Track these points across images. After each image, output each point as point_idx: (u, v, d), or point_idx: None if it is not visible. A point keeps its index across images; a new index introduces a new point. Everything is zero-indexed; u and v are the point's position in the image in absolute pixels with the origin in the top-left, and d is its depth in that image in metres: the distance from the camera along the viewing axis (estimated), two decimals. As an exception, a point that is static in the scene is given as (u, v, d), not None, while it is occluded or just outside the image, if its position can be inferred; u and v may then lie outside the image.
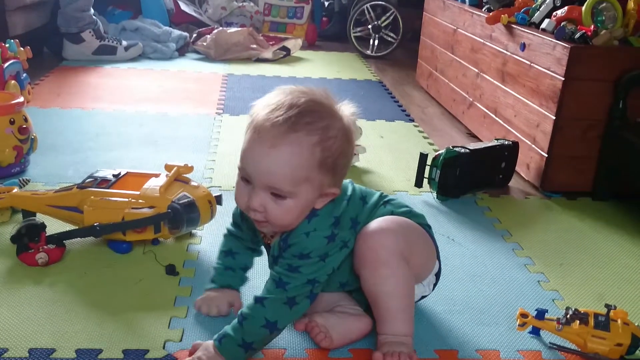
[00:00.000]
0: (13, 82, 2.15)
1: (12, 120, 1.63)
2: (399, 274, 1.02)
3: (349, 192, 1.06)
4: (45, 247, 1.25)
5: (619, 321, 1.09)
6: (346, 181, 1.07)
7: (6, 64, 2.14)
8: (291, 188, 0.93)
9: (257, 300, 0.98)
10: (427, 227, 1.15)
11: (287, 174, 0.92)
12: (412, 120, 2.43)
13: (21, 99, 1.69)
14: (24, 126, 1.66)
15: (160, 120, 2.22)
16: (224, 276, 1.15)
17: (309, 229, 0.98)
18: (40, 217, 1.32)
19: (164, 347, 1.04)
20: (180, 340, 1.05)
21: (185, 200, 1.30)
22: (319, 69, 3.21)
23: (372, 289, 1.03)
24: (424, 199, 1.71)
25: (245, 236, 1.14)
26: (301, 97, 0.94)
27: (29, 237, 1.25)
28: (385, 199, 1.12)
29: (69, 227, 1.32)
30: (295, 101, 0.93)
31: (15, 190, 1.42)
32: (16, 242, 1.25)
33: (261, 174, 0.93)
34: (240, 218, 1.12)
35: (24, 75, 2.25)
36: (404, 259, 1.03)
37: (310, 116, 0.93)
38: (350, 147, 0.98)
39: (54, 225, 1.31)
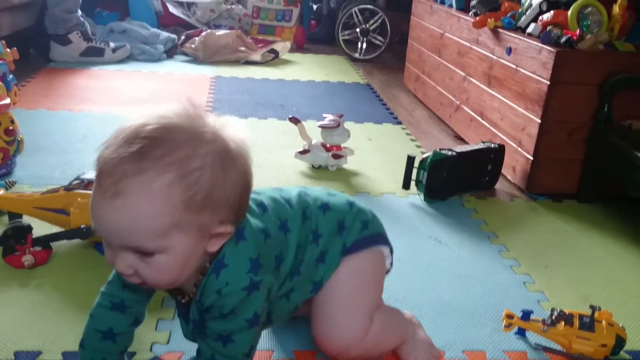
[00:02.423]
0: (0, 83, 2.13)
1: (-2, 121, 1.62)
2: (366, 353, 0.97)
3: (263, 222, 0.86)
4: (31, 249, 1.24)
5: (604, 322, 1.10)
6: (256, 201, 0.88)
7: (-8, 65, 2.12)
8: (154, 243, 0.73)
9: None
10: (378, 236, 1.01)
11: (140, 228, 0.72)
12: (400, 123, 2.45)
13: (7, 101, 1.68)
14: (11, 128, 1.65)
15: (148, 122, 2.21)
16: None
17: (220, 285, 0.79)
18: (26, 219, 1.32)
19: (150, 350, 1.04)
20: (167, 343, 1.05)
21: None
22: (307, 71, 3.22)
23: None
24: (411, 201, 1.72)
25: (132, 298, 0.89)
26: (149, 123, 0.73)
27: (15, 239, 1.24)
28: (319, 209, 0.94)
29: (55, 229, 1.31)
30: (140, 130, 0.73)
31: (2, 192, 1.42)
32: (2, 244, 1.24)
33: (108, 232, 0.74)
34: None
35: (11, 76, 2.24)
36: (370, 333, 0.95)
37: (160, 147, 0.72)
38: (229, 174, 0.75)
39: (41, 228, 1.30)
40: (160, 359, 1.02)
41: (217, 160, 0.74)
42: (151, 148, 0.71)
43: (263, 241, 0.84)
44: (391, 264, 1.03)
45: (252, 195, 0.86)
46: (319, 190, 0.99)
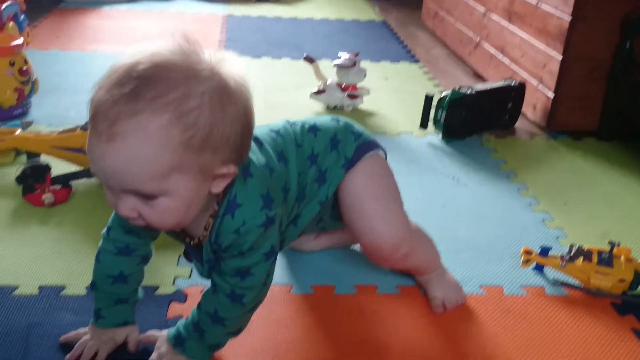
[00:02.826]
0: (11, 23, 2.11)
1: (12, 62, 1.61)
2: (413, 251, 1.00)
3: (262, 153, 0.86)
4: (51, 187, 1.25)
5: (622, 258, 1.10)
6: (252, 145, 0.84)
7: (4, 6, 2.09)
8: (154, 186, 0.71)
9: (216, 319, 0.84)
10: (373, 142, 1.01)
11: (138, 171, 0.70)
12: (418, 62, 2.40)
13: (21, 41, 1.67)
14: (24, 68, 1.64)
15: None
16: (117, 311, 0.90)
17: (237, 225, 0.79)
18: (44, 159, 1.32)
19: (173, 283, 1.05)
20: (189, 277, 1.07)
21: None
22: (321, 9, 3.15)
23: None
24: (428, 141, 1.70)
25: (136, 242, 0.89)
26: (141, 61, 0.70)
27: (34, 178, 1.25)
28: (309, 133, 0.95)
29: (74, 168, 1.32)
30: (132, 69, 0.69)
31: (19, 132, 1.42)
32: (21, 183, 1.25)
33: (107, 176, 0.72)
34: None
35: (22, 16, 2.21)
36: (408, 233, 0.99)
37: (155, 87, 0.69)
38: (228, 112, 0.73)
39: (59, 166, 1.31)
40: (183, 293, 1.03)
41: (215, 99, 0.71)
42: (145, 88, 0.68)
43: (269, 175, 0.84)
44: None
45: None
46: (302, 118, 0.99)
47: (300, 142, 0.93)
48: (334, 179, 0.95)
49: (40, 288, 1.02)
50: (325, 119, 0.99)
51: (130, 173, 0.70)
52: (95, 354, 0.88)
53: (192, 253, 0.89)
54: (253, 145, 0.84)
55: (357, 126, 1.01)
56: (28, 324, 0.94)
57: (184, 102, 0.69)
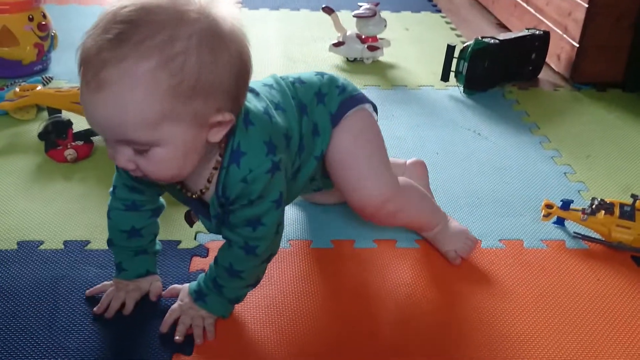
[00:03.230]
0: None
1: (30, 16, 1.61)
2: (403, 208, 1.00)
3: (259, 101, 0.84)
4: (73, 143, 1.27)
5: (645, 211, 1.09)
6: (248, 95, 0.82)
7: (20, -41, 2.08)
8: (146, 136, 0.70)
9: (233, 273, 0.85)
10: (358, 96, 0.99)
11: (128, 120, 0.68)
12: (439, 11, 2.35)
13: (39, -5, 1.66)
14: (43, 23, 1.63)
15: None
16: (137, 263, 0.92)
17: (243, 174, 0.78)
18: (66, 115, 1.33)
19: (195, 238, 1.07)
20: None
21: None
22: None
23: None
24: (450, 93, 1.68)
25: (142, 198, 0.89)
26: (126, 5, 0.68)
27: (56, 134, 1.26)
28: (296, 84, 0.93)
29: (94, 124, 1.32)
30: (117, 14, 0.67)
31: (39, 87, 1.43)
32: (44, 139, 1.27)
33: (99, 126, 0.71)
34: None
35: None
36: (395, 190, 0.98)
37: (139, 31, 0.66)
38: (220, 56, 0.70)
39: (81, 122, 1.32)
40: (205, 247, 1.05)
41: (204, 42, 0.69)
42: (129, 33, 0.66)
43: (269, 122, 0.82)
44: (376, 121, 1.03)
45: None
46: (288, 74, 0.97)
47: (291, 93, 0.91)
48: (326, 133, 0.94)
49: (65, 243, 1.04)
50: (310, 74, 0.97)
51: (120, 122, 0.69)
52: (123, 305, 0.90)
53: (197, 209, 0.88)
54: (249, 95, 0.82)
55: (342, 80, 0.99)
56: (54, 277, 0.96)
57: (170, 46, 0.67)
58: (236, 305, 0.91)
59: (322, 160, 0.96)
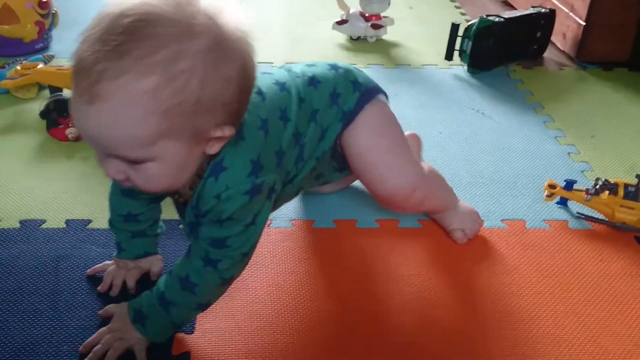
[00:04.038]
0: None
1: (31, -6, 1.60)
2: (428, 195, 0.99)
3: (262, 111, 0.79)
4: (74, 122, 1.26)
5: (650, 192, 1.08)
6: (254, 92, 0.76)
7: (20, -64, 2.05)
8: (141, 152, 0.66)
9: (186, 286, 0.78)
10: (373, 89, 0.96)
11: (121, 138, 0.64)
12: (443, -11, 2.32)
13: (39, -28, 1.64)
14: (44, 0, 1.62)
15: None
16: (135, 244, 0.91)
17: (219, 190, 0.73)
18: (67, 93, 1.33)
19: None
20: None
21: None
22: None
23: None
24: (454, 73, 1.67)
25: (141, 193, 0.87)
26: (128, 13, 0.62)
27: (57, 113, 1.26)
28: (310, 85, 0.88)
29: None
30: (117, 22, 0.62)
31: (40, 66, 1.42)
32: (45, 118, 1.26)
33: (89, 138, 0.66)
34: None
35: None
36: (420, 177, 0.98)
37: (141, 45, 0.61)
38: (224, 71, 0.66)
39: (82, 101, 1.31)
40: None
41: (210, 58, 0.64)
42: (130, 45, 0.61)
43: (263, 138, 0.77)
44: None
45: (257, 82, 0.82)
46: (302, 65, 0.93)
47: (303, 96, 0.86)
48: (332, 134, 0.90)
49: (67, 222, 1.04)
50: (324, 69, 0.92)
51: (112, 138, 0.64)
52: (125, 284, 0.91)
53: (181, 212, 0.84)
54: (255, 98, 0.78)
55: (357, 72, 0.96)
56: (56, 256, 0.96)
57: (174, 63, 0.62)
58: (238, 286, 0.90)
59: (329, 156, 0.93)
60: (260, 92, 0.81)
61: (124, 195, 0.88)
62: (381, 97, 0.97)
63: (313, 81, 0.89)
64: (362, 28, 1.82)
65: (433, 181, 1.02)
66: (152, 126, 0.64)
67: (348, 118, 0.92)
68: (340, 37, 1.85)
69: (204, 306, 0.82)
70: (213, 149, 0.71)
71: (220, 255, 0.77)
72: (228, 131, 0.70)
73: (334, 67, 0.94)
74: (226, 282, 0.81)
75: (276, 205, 0.91)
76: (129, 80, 0.61)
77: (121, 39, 0.61)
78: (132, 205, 0.89)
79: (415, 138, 1.15)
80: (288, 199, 0.97)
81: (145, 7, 0.63)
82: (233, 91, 0.68)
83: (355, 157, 0.94)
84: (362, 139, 0.93)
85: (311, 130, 0.87)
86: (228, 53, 0.66)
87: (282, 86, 0.85)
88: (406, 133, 1.14)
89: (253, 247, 0.80)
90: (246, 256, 0.80)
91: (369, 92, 0.95)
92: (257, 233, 0.79)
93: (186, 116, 0.65)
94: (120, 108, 0.62)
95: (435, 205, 1.04)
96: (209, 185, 0.74)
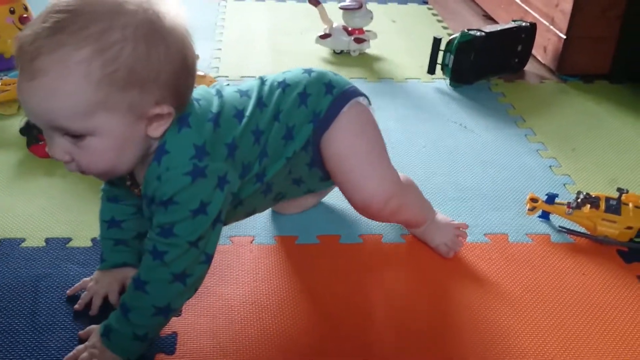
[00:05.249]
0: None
1: (12, 9, 1.58)
2: (403, 205, 0.98)
3: (215, 107, 0.81)
4: (54, 139, 1.25)
5: (631, 205, 1.09)
6: (211, 91, 0.84)
7: (1, -50, 2.04)
8: (81, 124, 0.69)
9: (138, 285, 0.78)
10: (348, 91, 0.95)
11: (61, 107, 0.68)
12: (426, 2, 2.34)
13: (19, -13, 1.63)
14: (25, 15, 1.61)
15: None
16: (115, 253, 0.91)
17: (160, 172, 0.75)
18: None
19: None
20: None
21: (192, 89, 1.27)
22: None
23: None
24: (436, 86, 1.68)
25: (121, 193, 0.89)
26: None
27: (38, 129, 1.23)
28: (277, 89, 0.90)
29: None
30: (57, 4, 0.69)
31: (21, 82, 1.40)
32: (26, 135, 1.25)
33: (34, 114, 0.70)
34: None
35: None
36: (395, 193, 0.96)
37: (76, 21, 0.67)
38: (156, 49, 0.70)
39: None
40: (230, 241, 1.05)
41: (140, 33, 0.70)
42: (66, 22, 0.67)
43: (211, 129, 0.79)
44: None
45: (214, 85, 0.86)
46: (277, 73, 0.94)
47: (266, 101, 0.88)
48: (302, 135, 0.90)
49: (47, 240, 1.03)
50: (297, 72, 0.93)
51: (53, 109, 0.69)
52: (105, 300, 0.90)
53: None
54: (212, 97, 0.83)
55: (331, 76, 0.95)
56: (36, 275, 0.95)
57: (106, 35, 0.68)
58: (220, 305, 0.89)
59: (308, 162, 0.93)
60: (220, 95, 0.84)
61: (109, 201, 0.90)
62: (361, 99, 0.96)
63: (281, 85, 0.90)
64: (345, 42, 1.82)
65: (409, 191, 1.02)
66: (89, 95, 0.68)
67: (322, 121, 0.91)
68: (324, 50, 1.86)
69: (163, 311, 0.79)
70: (156, 131, 0.74)
71: (166, 245, 0.76)
72: (167, 109, 0.73)
73: (307, 71, 0.94)
74: (179, 278, 0.77)
75: (249, 205, 0.90)
76: (65, 53, 0.67)
77: (58, 17, 0.67)
78: (115, 211, 0.90)
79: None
80: (264, 202, 0.94)
81: None
82: (169, 70, 0.72)
83: (331, 162, 0.93)
84: (338, 143, 0.92)
85: (275, 129, 0.87)
86: (161, 32, 0.71)
87: (243, 92, 0.88)
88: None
89: (205, 241, 0.78)
90: (197, 249, 0.77)
91: (344, 95, 0.93)
92: (207, 224, 0.77)
93: (121, 87, 0.69)
94: (58, 79, 0.67)
95: (412, 216, 1.03)
96: (152, 168, 0.76)
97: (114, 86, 0.69)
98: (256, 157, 0.85)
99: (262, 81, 0.91)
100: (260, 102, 0.87)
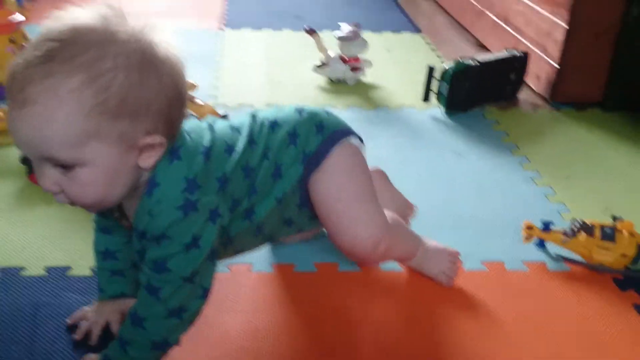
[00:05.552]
0: (10, -2, 2.09)
1: (12, 38, 1.60)
2: (392, 246, 0.95)
3: (206, 141, 0.80)
4: (54, 167, 1.26)
5: (625, 232, 1.10)
6: (202, 124, 0.83)
7: (1, -20, 2.07)
8: (70, 154, 0.69)
9: (135, 321, 0.78)
10: (340, 131, 0.93)
11: (51, 137, 0.67)
12: (420, 31, 2.37)
13: (21, 17, 1.65)
14: (25, 44, 1.63)
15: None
16: (112, 283, 0.91)
17: (151, 205, 0.74)
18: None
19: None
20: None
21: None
22: (324, -22, 3.10)
23: None
24: (431, 114, 1.70)
25: (112, 224, 0.88)
26: (59, 24, 0.69)
27: (37, 158, 1.25)
28: (268, 129, 0.88)
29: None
30: (48, 33, 0.68)
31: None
32: (25, 163, 1.26)
33: (22, 144, 0.70)
34: None
35: (21, -9, 2.19)
36: (384, 229, 0.93)
37: (68, 49, 0.67)
38: (148, 78, 0.70)
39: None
40: (229, 269, 1.05)
41: (132, 62, 0.69)
42: (58, 50, 0.67)
43: (202, 162, 0.78)
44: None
45: (206, 119, 0.86)
46: (269, 110, 0.93)
47: (256, 139, 0.86)
48: (291, 175, 0.88)
49: (47, 269, 1.03)
50: (289, 112, 0.92)
51: (43, 138, 0.68)
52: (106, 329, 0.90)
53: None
54: (203, 129, 0.82)
55: (323, 115, 0.93)
56: (35, 304, 0.95)
57: (97, 64, 0.67)
58: (218, 333, 0.89)
59: (297, 203, 0.91)
60: (211, 129, 0.83)
61: (101, 232, 0.90)
62: (352, 140, 0.94)
63: (272, 125, 0.89)
64: (342, 71, 1.85)
65: (397, 231, 0.98)
66: (79, 124, 0.67)
67: (312, 161, 0.90)
68: (320, 79, 1.88)
69: (160, 345, 0.79)
70: (147, 161, 0.74)
71: (160, 281, 0.76)
72: (159, 139, 0.72)
73: (299, 110, 0.93)
74: (175, 313, 0.78)
75: (237, 244, 0.89)
76: (55, 81, 0.66)
77: (50, 46, 0.67)
78: (109, 241, 0.90)
79: (380, 174, 1.13)
80: (254, 242, 0.92)
81: (75, 20, 0.70)
82: (161, 100, 0.71)
83: (318, 204, 0.91)
84: (326, 185, 0.90)
85: (264, 166, 0.86)
86: (153, 62, 0.71)
87: (234, 128, 0.87)
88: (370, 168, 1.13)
89: (199, 274, 0.78)
90: (192, 284, 0.77)
91: (335, 135, 0.92)
92: (201, 258, 0.77)
93: (112, 116, 0.69)
94: (48, 108, 0.67)
95: (402, 253, 1.02)
96: (143, 202, 0.75)
97: (105, 115, 0.68)
98: (246, 192, 0.84)
99: (254, 118, 0.89)
100: (251, 140, 0.86)
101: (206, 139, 0.81)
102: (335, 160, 0.91)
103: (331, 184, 0.90)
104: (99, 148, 0.69)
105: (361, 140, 0.97)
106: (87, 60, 0.67)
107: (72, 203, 0.74)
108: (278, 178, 0.88)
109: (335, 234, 0.92)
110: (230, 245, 0.87)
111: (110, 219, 0.87)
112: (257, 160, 0.85)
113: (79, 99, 0.67)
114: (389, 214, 0.98)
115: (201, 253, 0.77)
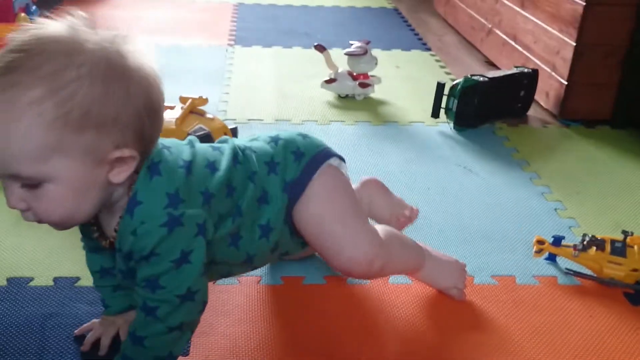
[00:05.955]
0: (23, 14, 2.12)
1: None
2: (389, 261, 0.93)
3: (186, 155, 0.78)
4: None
5: (636, 247, 1.09)
6: (181, 142, 0.81)
7: (15, -3, 2.10)
8: (34, 169, 0.66)
9: (135, 341, 0.77)
10: (318, 155, 0.91)
11: (13, 151, 0.65)
12: (429, 49, 2.39)
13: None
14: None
15: (172, 52, 2.20)
16: (117, 298, 0.90)
17: (134, 226, 0.72)
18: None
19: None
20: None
21: (202, 132, 1.29)
22: (333, -3, 3.13)
23: None
24: (440, 130, 1.70)
25: (97, 244, 0.84)
26: (24, 37, 0.66)
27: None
28: (250, 152, 0.87)
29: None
30: (14, 43, 0.66)
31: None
32: (36, 175, 1.26)
33: None
34: None
35: (34, 7, 2.22)
36: (378, 246, 0.91)
37: (30, 60, 0.64)
38: (115, 89, 0.67)
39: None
40: (238, 281, 1.05)
41: (97, 72, 0.66)
42: (20, 61, 0.64)
43: (184, 176, 0.75)
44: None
45: (188, 137, 0.83)
46: (243, 140, 0.91)
47: (240, 160, 0.84)
48: (277, 204, 0.86)
49: (55, 279, 1.03)
50: (261, 142, 0.90)
51: (5, 153, 0.65)
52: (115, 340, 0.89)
53: (113, 257, 0.79)
54: (182, 145, 0.80)
55: (300, 141, 0.91)
56: (44, 314, 0.95)
57: (60, 74, 0.64)
58: (228, 345, 0.88)
59: (288, 233, 0.90)
60: (191, 145, 0.81)
61: (92, 251, 0.88)
62: (332, 161, 0.92)
63: (249, 149, 0.87)
64: (350, 87, 1.86)
65: (393, 246, 0.95)
66: (41, 137, 0.65)
67: (294, 190, 0.88)
68: (329, 95, 1.89)
69: (168, 358, 0.79)
70: (119, 176, 0.71)
71: (156, 300, 0.75)
72: (129, 152, 0.70)
73: (274, 139, 0.90)
74: (176, 329, 0.77)
75: (226, 270, 0.88)
76: (16, 92, 0.64)
77: (12, 56, 0.65)
78: (101, 260, 0.88)
79: (377, 184, 1.11)
80: (243, 269, 0.91)
81: (41, 31, 0.67)
82: (129, 112, 0.68)
83: (309, 231, 0.89)
84: (314, 211, 0.88)
85: (250, 189, 0.83)
86: (121, 72, 0.68)
87: (215, 148, 0.85)
88: (365, 179, 1.11)
89: (195, 291, 0.76)
90: (190, 301, 0.76)
91: (314, 161, 0.90)
92: (195, 273, 0.75)
93: (75, 129, 0.66)
94: (9, 121, 0.64)
95: (404, 268, 1.00)
96: (125, 222, 0.73)
97: (69, 127, 0.65)
98: (230, 211, 0.81)
99: (233, 142, 0.87)
100: (236, 159, 0.84)
101: (186, 154, 0.78)
102: (317, 185, 0.89)
103: (314, 212, 0.88)
104: (63, 163, 0.67)
105: (341, 158, 0.95)
106: (51, 70, 0.64)
107: (40, 220, 0.71)
108: (264, 204, 0.86)
109: (328, 260, 0.91)
110: (214, 266, 0.83)
111: (92, 240, 0.83)
112: (241, 179, 0.83)
113: (39, 110, 0.64)
114: (382, 228, 0.97)
115: (194, 268, 0.75)
